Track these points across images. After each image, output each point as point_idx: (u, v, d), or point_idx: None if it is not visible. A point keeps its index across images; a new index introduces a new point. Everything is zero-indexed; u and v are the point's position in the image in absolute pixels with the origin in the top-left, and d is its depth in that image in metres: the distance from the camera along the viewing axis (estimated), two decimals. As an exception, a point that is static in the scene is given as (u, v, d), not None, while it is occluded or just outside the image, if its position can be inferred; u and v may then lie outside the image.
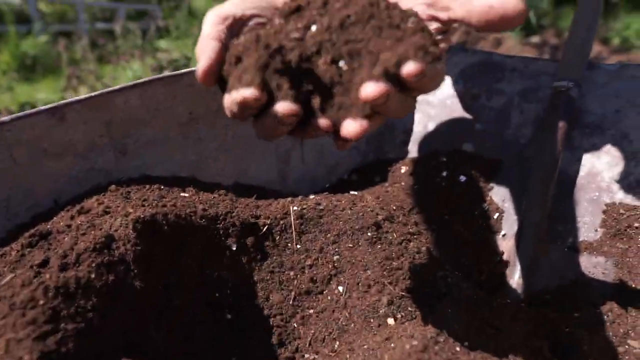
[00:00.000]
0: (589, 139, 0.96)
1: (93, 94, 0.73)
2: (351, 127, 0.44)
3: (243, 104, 0.45)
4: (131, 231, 0.60)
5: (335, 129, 0.46)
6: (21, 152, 0.67)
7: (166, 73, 0.79)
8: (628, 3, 5.04)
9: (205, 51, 0.49)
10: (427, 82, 0.44)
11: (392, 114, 0.46)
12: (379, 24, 0.47)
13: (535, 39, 4.46)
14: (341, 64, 0.46)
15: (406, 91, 0.45)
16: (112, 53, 4.18)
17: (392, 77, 0.42)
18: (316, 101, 0.46)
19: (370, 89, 0.42)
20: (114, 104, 0.74)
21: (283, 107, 0.45)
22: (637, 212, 0.83)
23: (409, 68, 0.42)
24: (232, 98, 0.46)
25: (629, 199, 0.87)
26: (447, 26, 0.54)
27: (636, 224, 0.82)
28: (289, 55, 0.45)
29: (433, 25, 0.54)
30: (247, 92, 0.44)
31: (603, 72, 1.01)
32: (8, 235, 0.64)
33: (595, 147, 0.95)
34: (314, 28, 0.48)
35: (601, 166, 0.92)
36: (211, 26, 0.51)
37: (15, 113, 3.45)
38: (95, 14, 4.66)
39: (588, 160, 0.94)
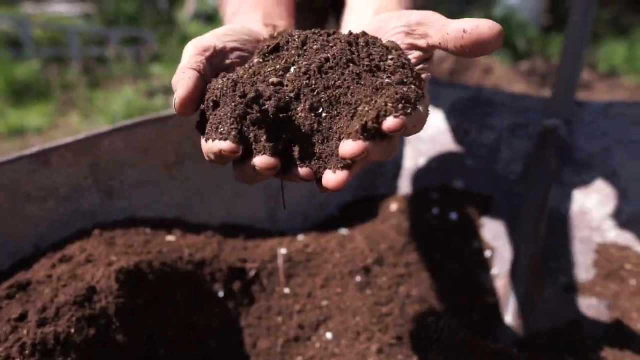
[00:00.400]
0: (579, 175, 0.96)
1: (78, 137, 0.72)
2: (331, 178, 0.43)
3: (219, 155, 0.44)
4: (114, 282, 0.58)
5: (316, 177, 0.46)
6: (2, 197, 0.65)
7: (153, 115, 0.78)
8: (611, 30, 5.15)
9: (182, 80, 0.47)
10: (409, 130, 0.44)
11: (374, 160, 0.45)
12: (357, 70, 0.46)
13: (524, 65, 4.53)
14: (319, 111, 0.46)
15: (387, 138, 0.44)
16: (105, 77, 4.18)
17: (371, 132, 0.42)
18: (295, 151, 0.45)
19: (349, 147, 0.41)
20: (100, 147, 0.73)
21: (261, 161, 0.44)
22: (628, 253, 0.83)
23: (389, 124, 0.41)
24: (209, 147, 0.45)
25: (620, 239, 0.86)
26: (428, 54, 0.54)
27: (628, 266, 0.81)
28: (266, 105, 0.44)
29: (414, 54, 0.53)
30: (224, 145, 0.43)
31: (590, 109, 1.02)
32: (-14, 285, 0.62)
33: (584, 184, 0.95)
34: (292, 70, 0.48)
35: (591, 204, 0.92)
36: (190, 57, 0.50)
37: (5, 138, 3.41)
38: (89, 38, 4.69)
39: (578, 198, 0.94)
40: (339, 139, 0.44)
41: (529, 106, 1.07)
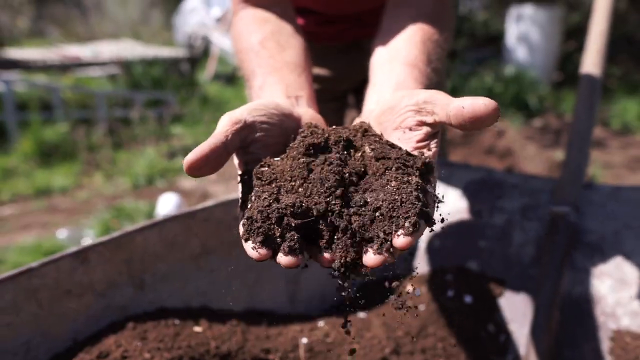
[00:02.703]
0: (590, 259, 0.98)
1: (115, 234, 0.77)
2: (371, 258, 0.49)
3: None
4: (147, 385, 0.62)
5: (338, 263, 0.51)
6: (45, 295, 0.70)
7: (182, 210, 0.84)
8: (623, 87, 5.22)
9: (201, 145, 0.52)
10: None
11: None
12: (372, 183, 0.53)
13: (537, 122, 4.60)
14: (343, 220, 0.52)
15: None
16: (128, 139, 4.35)
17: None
18: (322, 241, 0.52)
19: (373, 260, 0.48)
20: (134, 242, 0.79)
21: (286, 260, 0.49)
22: (643, 343, 0.84)
23: (401, 242, 0.48)
24: (245, 248, 0.51)
25: (635, 327, 0.88)
26: (435, 129, 0.59)
27: (643, 357, 0.82)
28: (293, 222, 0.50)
29: (423, 130, 0.59)
30: (256, 255, 0.49)
31: (599, 192, 1.05)
32: (27, 381, 0.66)
33: (597, 269, 0.97)
34: (317, 184, 0.53)
35: (605, 290, 0.94)
36: (222, 127, 0.55)
37: (31, 198, 3.53)
38: (115, 100, 4.91)
39: (591, 283, 0.96)
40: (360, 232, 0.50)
41: (539, 188, 1.11)
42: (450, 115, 0.54)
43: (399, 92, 0.65)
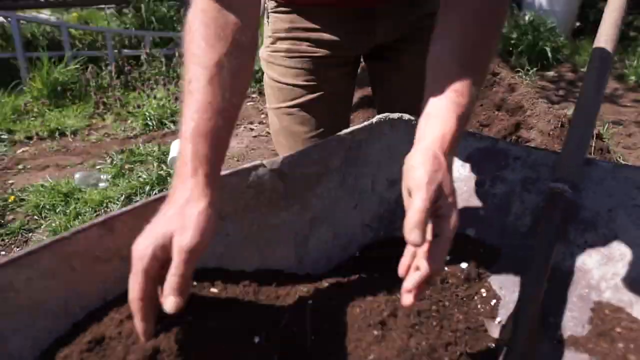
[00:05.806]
0: (583, 235, 1.04)
1: (138, 204, 0.84)
2: None
3: None
4: (174, 343, 0.70)
5: None
6: (77, 260, 0.78)
7: (201, 182, 0.89)
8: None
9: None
10: None
11: None
12: None
13: (551, 73, 4.52)
14: None
15: None
16: (137, 79, 4.35)
17: None
18: None
19: None
20: (156, 210, 0.85)
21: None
22: (620, 316, 0.91)
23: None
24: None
25: (615, 300, 0.95)
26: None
27: (618, 329, 0.90)
28: None
29: None
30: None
31: (599, 168, 1.09)
32: (67, 335, 0.75)
33: (587, 244, 1.03)
34: None
35: (592, 264, 1.00)
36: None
37: (46, 139, 3.59)
38: (122, 39, 4.85)
39: (580, 257, 1.02)
40: None
41: (542, 161, 1.15)
42: None
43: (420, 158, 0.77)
